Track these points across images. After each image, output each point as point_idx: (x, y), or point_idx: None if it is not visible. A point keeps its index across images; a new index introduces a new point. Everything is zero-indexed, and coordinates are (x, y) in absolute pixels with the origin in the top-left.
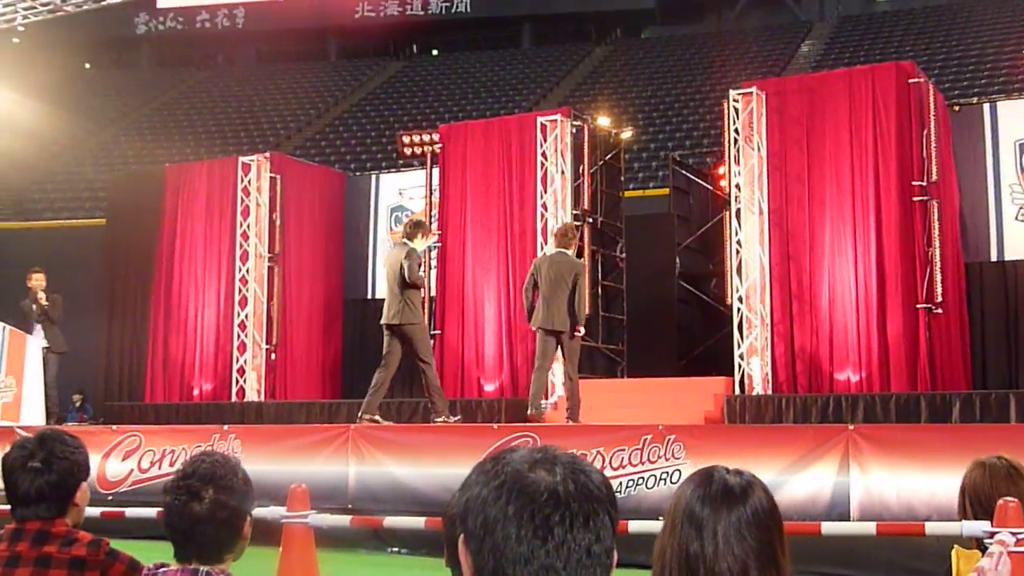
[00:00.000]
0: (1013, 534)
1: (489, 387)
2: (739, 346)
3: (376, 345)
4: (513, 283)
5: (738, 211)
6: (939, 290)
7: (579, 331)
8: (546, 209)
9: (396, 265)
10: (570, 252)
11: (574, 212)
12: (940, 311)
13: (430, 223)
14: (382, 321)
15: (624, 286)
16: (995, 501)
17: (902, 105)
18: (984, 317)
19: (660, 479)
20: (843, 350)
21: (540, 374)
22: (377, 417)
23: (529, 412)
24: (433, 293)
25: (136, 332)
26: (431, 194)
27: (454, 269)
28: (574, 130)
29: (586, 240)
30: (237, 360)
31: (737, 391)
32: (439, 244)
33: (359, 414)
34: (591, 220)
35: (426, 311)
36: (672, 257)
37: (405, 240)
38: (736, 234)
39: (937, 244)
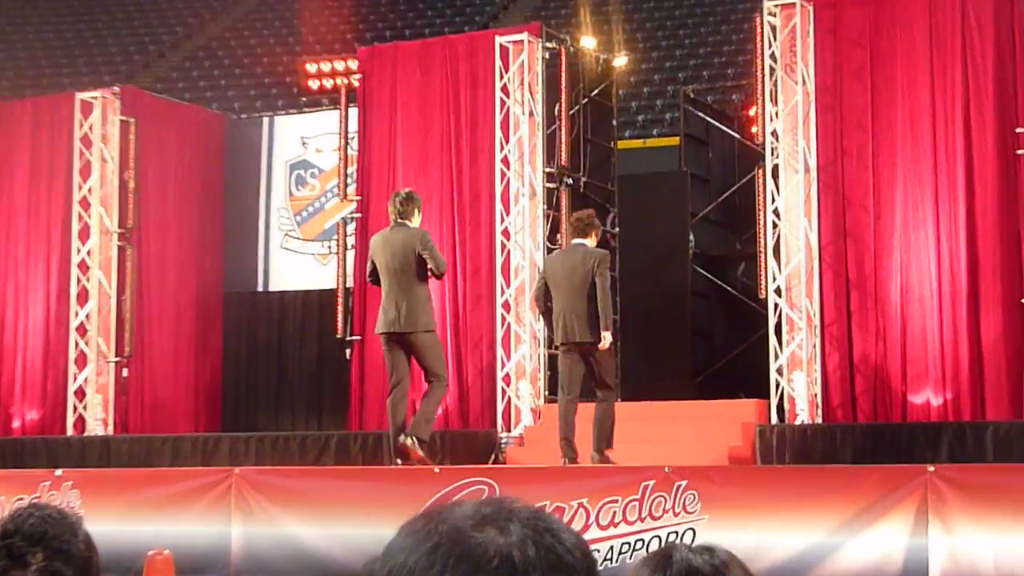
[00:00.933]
0: None
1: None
2: (777, 357)
3: (275, 356)
4: (463, 269)
5: (775, 168)
6: None
7: (604, 339)
8: (508, 166)
9: (408, 252)
10: (590, 243)
11: (547, 170)
12: None
13: (345, 183)
14: (381, 329)
15: (617, 273)
16: None
17: (1003, 25)
18: None
19: (667, 542)
20: (921, 362)
21: (569, 406)
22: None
23: (564, 462)
24: (350, 284)
25: None
26: (346, 145)
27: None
28: (547, 55)
29: (563, 209)
30: (74, 379)
31: (774, 419)
32: (357, 215)
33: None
34: (570, 181)
35: (340, 307)
36: (684, 233)
37: (402, 220)
38: (773, 200)
39: None
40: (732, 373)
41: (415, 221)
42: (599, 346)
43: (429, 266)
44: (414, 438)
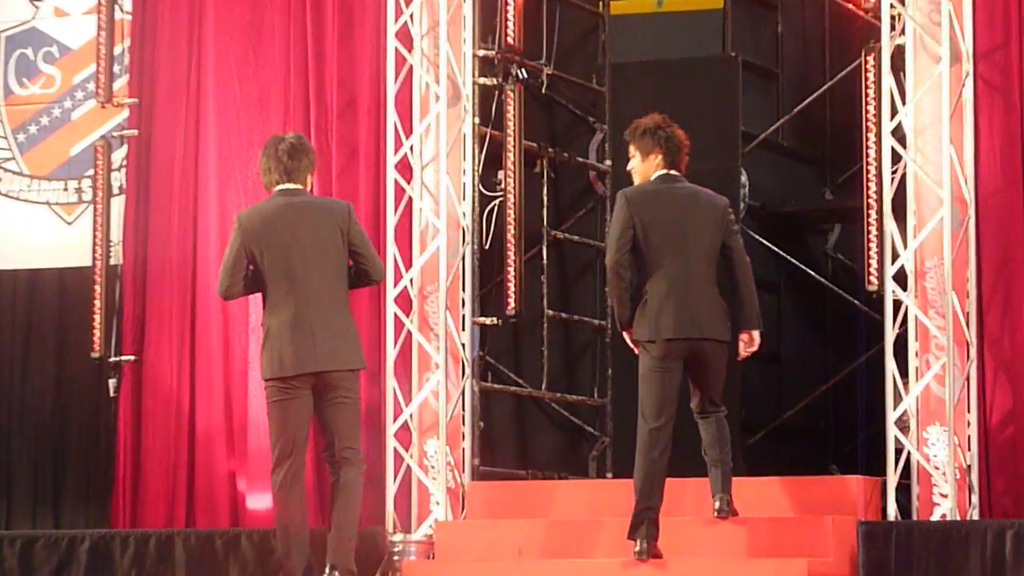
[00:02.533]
0: None
1: (259, 502)
2: (899, 397)
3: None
4: None
5: (899, 56)
6: None
7: (752, 340)
8: (409, 45)
9: (328, 238)
10: (680, 175)
11: (481, 52)
12: None
13: (109, 75)
14: (291, 371)
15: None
16: None
17: None
18: None
19: None
20: None
21: (663, 452)
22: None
23: (637, 550)
24: (117, 259)
25: None
26: (111, 4)
27: (166, 209)
28: None
29: (510, 125)
30: None
31: (891, 511)
32: (131, 132)
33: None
34: (523, 75)
35: (100, 301)
36: (731, 171)
37: (293, 184)
38: (893, 114)
39: None
40: (814, 427)
41: (308, 185)
42: (744, 348)
43: (362, 266)
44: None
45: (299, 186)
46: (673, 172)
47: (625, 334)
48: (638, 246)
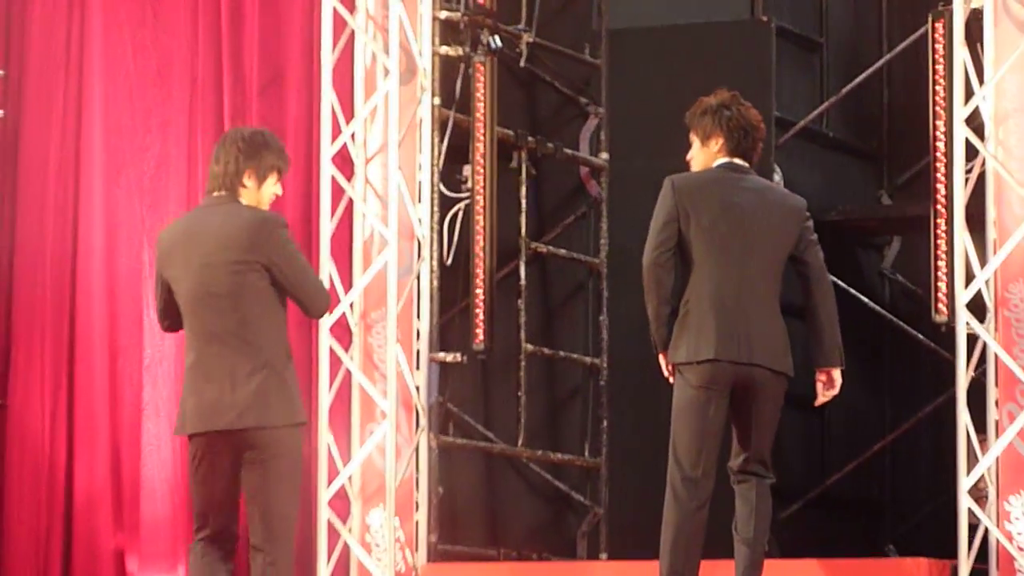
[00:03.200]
0: None
1: None
2: (974, 457)
3: None
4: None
5: (975, 20)
6: None
7: (832, 380)
8: (351, 6)
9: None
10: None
11: (444, 10)
12: None
13: None
14: (194, 428)
15: (604, 256)
16: None
17: None
18: None
19: None
20: None
21: (700, 509)
22: None
23: None
24: None
25: None
26: None
27: (38, 211)
28: None
29: (482, 104)
30: None
31: None
32: None
33: None
34: (496, 44)
35: None
36: (763, 164)
37: (228, 190)
38: (968, 98)
39: None
40: (866, 496)
41: (264, 189)
42: (823, 390)
43: (294, 294)
44: None
45: (737, 158)
46: (738, 161)
47: (661, 357)
48: (684, 246)
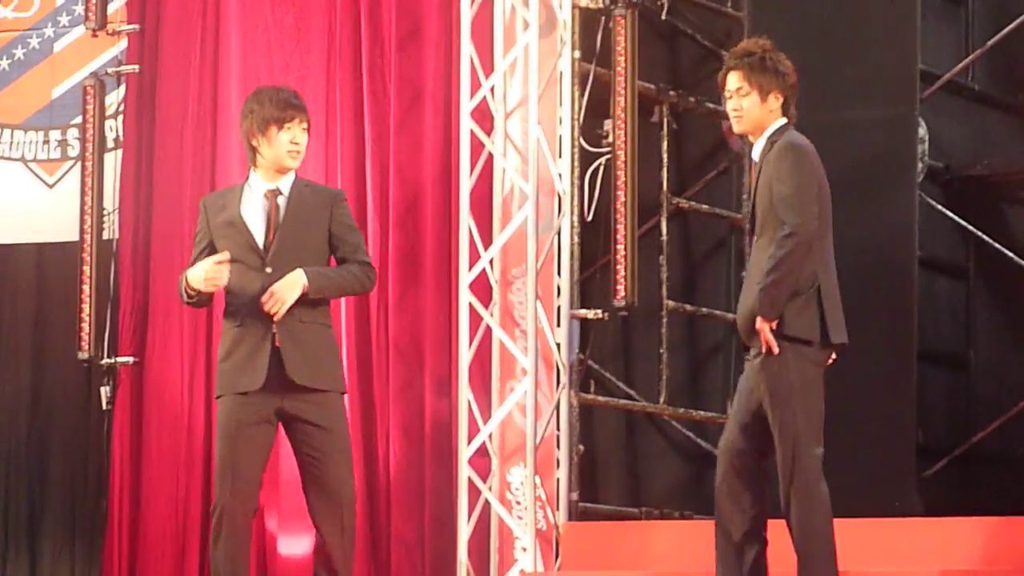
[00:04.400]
0: None
1: (294, 546)
2: None
3: None
4: (382, 213)
5: None
6: None
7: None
8: None
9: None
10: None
11: None
12: None
13: None
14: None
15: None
16: None
17: None
18: None
19: None
20: None
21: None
22: None
23: None
24: (112, 232)
25: None
26: None
27: (175, 168)
28: None
29: (623, 66)
30: None
31: None
32: (130, 68)
33: None
34: None
35: (90, 292)
36: (907, 119)
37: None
38: None
39: None
40: (1012, 452)
41: (272, 154)
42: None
43: (352, 269)
44: None
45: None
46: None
47: (769, 324)
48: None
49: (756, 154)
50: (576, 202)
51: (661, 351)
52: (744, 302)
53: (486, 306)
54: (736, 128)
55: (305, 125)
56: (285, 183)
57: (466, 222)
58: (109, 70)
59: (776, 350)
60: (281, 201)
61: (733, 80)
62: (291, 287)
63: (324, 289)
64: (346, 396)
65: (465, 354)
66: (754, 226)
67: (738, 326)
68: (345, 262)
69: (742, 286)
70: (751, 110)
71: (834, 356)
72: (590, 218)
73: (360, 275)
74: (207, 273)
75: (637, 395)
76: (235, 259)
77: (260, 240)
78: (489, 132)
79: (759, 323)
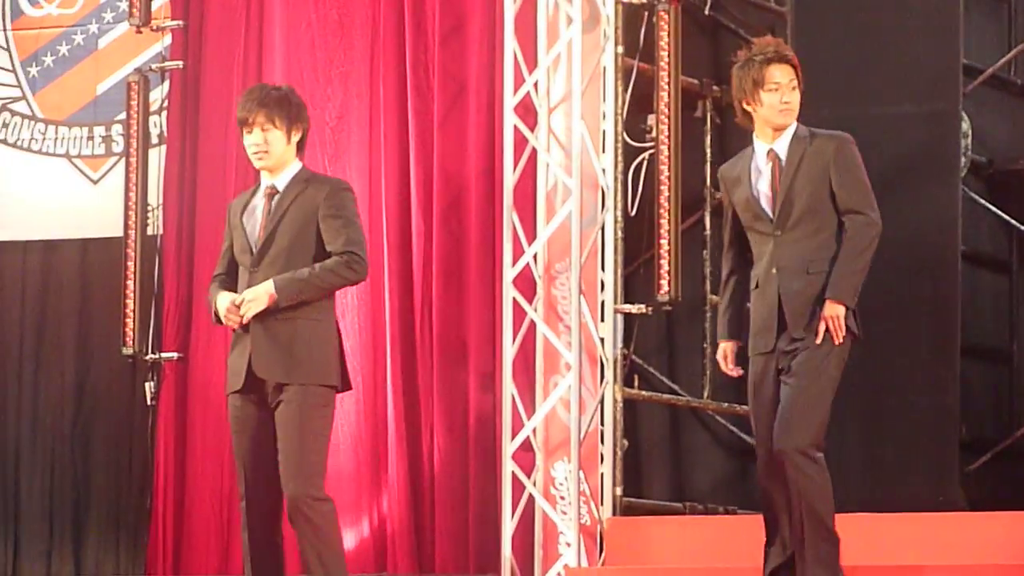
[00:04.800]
0: None
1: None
2: None
3: None
4: (425, 205)
5: None
6: None
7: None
8: None
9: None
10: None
11: None
12: None
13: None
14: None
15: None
16: None
17: None
18: None
19: None
20: None
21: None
22: None
23: None
24: (157, 230)
25: None
26: None
27: (219, 164)
28: None
29: (667, 61)
30: None
31: None
32: (175, 64)
33: None
34: None
35: (134, 288)
36: (949, 111)
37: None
38: None
39: None
40: None
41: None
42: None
43: (328, 265)
44: None
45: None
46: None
47: (846, 314)
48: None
49: (782, 149)
50: (619, 197)
51: (704, 345)
52: (791, 287)
53: (530, 301)
54: (784, 120)
55: (270, 124)
56: (282, 180)
57: (510, 217)
58: (153, 66)
59: (839, 340)
60: (275, 200)
61: (784, 73)
62: (256, 300)
63: (298, 294)
64: (347, 390)
65: (509, 349)
66: (778, 219)
67: (787, 313)
68: (333, 255)
69: (771, 277)
70: (796, 104)
71: None
72: (633, 213)
73: (336, 267)
74: (226, 312)
75: (681, 390)
76: (237, 259)
77: (253, 241)
78: (533, 127)
79: (832, 309)
